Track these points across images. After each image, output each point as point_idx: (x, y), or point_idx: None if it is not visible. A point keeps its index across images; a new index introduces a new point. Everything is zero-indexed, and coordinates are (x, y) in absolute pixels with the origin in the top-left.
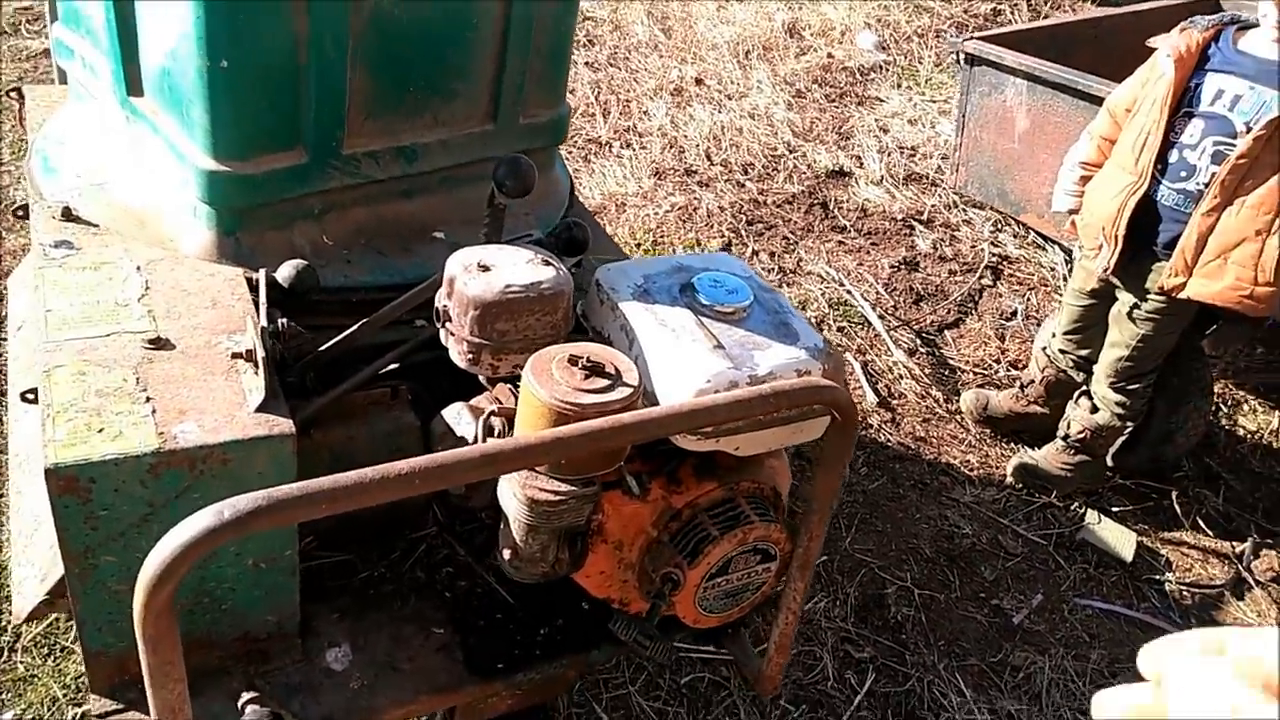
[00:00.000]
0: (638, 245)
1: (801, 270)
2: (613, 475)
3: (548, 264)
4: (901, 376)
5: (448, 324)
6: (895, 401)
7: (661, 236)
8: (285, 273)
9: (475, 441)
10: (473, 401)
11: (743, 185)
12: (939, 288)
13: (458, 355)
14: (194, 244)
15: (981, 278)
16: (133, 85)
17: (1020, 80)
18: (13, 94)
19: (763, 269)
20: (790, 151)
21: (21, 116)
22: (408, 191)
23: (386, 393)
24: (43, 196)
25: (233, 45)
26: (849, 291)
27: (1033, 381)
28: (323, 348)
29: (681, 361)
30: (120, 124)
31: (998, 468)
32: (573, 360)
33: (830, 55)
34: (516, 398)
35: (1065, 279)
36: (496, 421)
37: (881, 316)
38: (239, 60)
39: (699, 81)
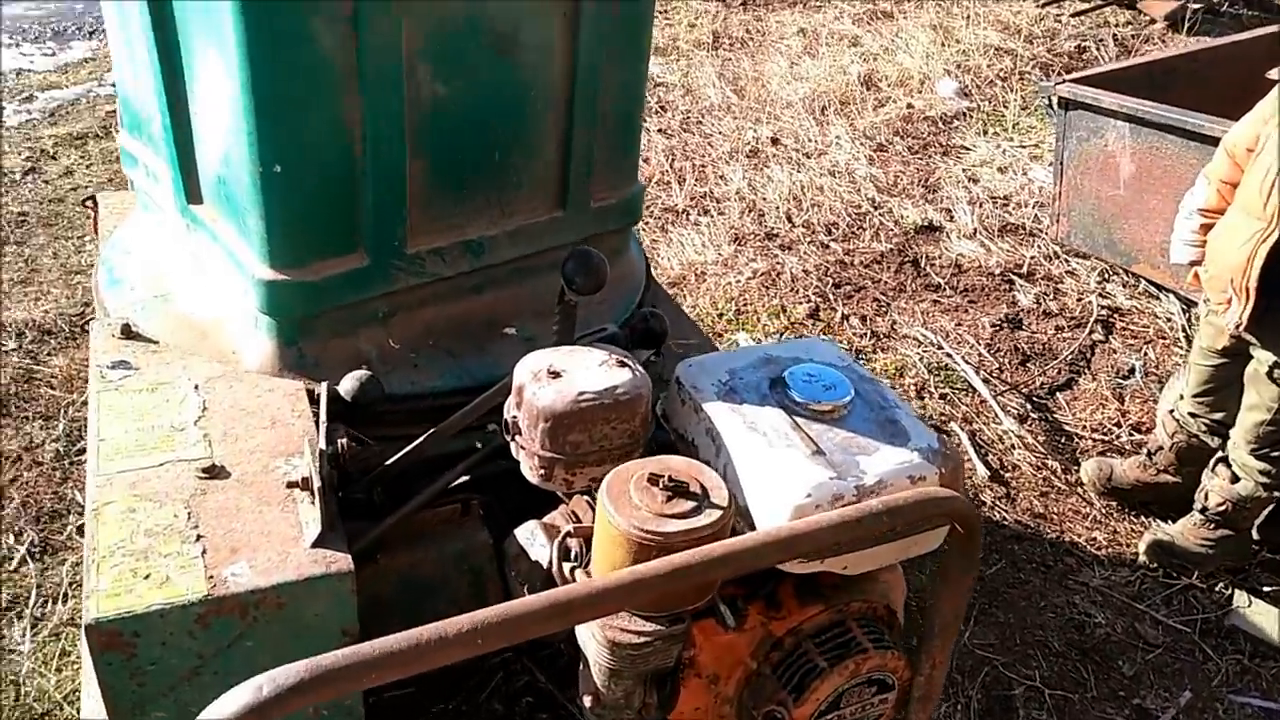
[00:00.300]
0: (719, 315)
1: (896, 334)
2: (704, 605)
3: (623, 365)
4: (1013, 446)
5: (517, 437)
6: (1008, 474)
7: (745, 305)
8: (348, 385)
9: (550, 566)
10: (547, 519)
11: (827, 246)
12: (1046, 346)
13: (529, 470)
14: (256, 356)
15: (1092, 333)
16: (192, 193)
17: (1121, 123)
18: (88, 203)
19: (854, 334)
20: (875, 208)
21: (96, 224)
22: (477, 287)
23: (456, 509)
24: (106, 311)
25: (285, 146)
26: (949, 354)
27: (1161, 448)
28: (389, 461)
29: (777, 472)
30: (182, 232)
31: (1128, 546)
32: (653, 480)
33: (910, 105)
34: (594, 511)
35: (1185, 330)
36: (573, 543)
37: (986, 380)
38: (292, 161)
39: (775, 141)
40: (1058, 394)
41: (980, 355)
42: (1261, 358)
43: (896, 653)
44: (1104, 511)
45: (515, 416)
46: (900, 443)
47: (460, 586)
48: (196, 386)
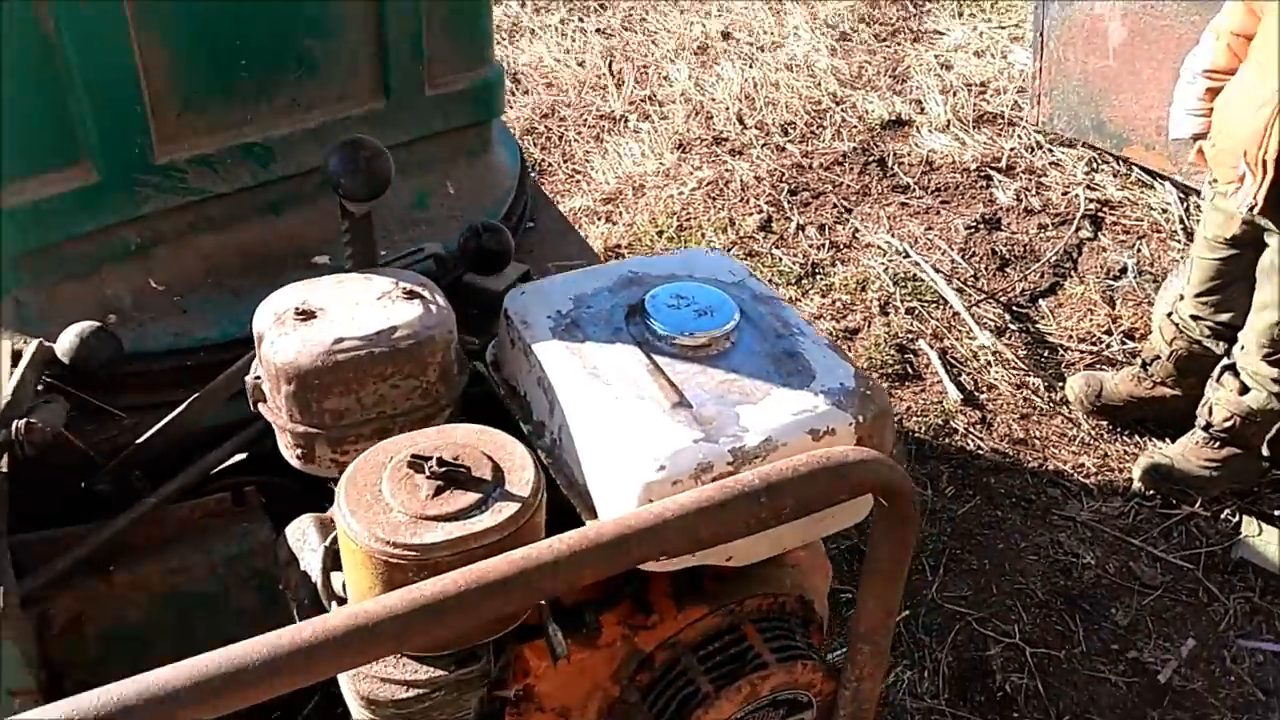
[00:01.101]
0: (659, 233)
1: (858, 243)
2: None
3: (412, 297)
4: (989, 364)
5: (261, 404)
6: (984, 396)
7: (688, 219)
8: (66, 343)
9: (318, 579)
10: (329, 513)
11: (783, 149)
12: (1028, 247)
13: (286, 449)
14: None
15: (1079, 229)
16: None
17: None
18: None
19: (810, 246)
20: (837, 104)
21: None
22: (273, 206)
23: (225, 499)
24: None
25: None
26: (917, 263)
27: (1158, 357)
28: (142, 439)
29: (623, 436)
30: None
31: (1121, 472)
32: (415, 464)
33: None
34: None
35: (1183, 222)
36: None
37: (960, 290)
38: None
39: (726, 35)
40: (1040, 301)
41: (953, 262)
42: (1277, 246)
43: (810, 663)
44: (1093, 433)
45: (258, 379)
46: (800, 384)
47: (246, 598)
48: None
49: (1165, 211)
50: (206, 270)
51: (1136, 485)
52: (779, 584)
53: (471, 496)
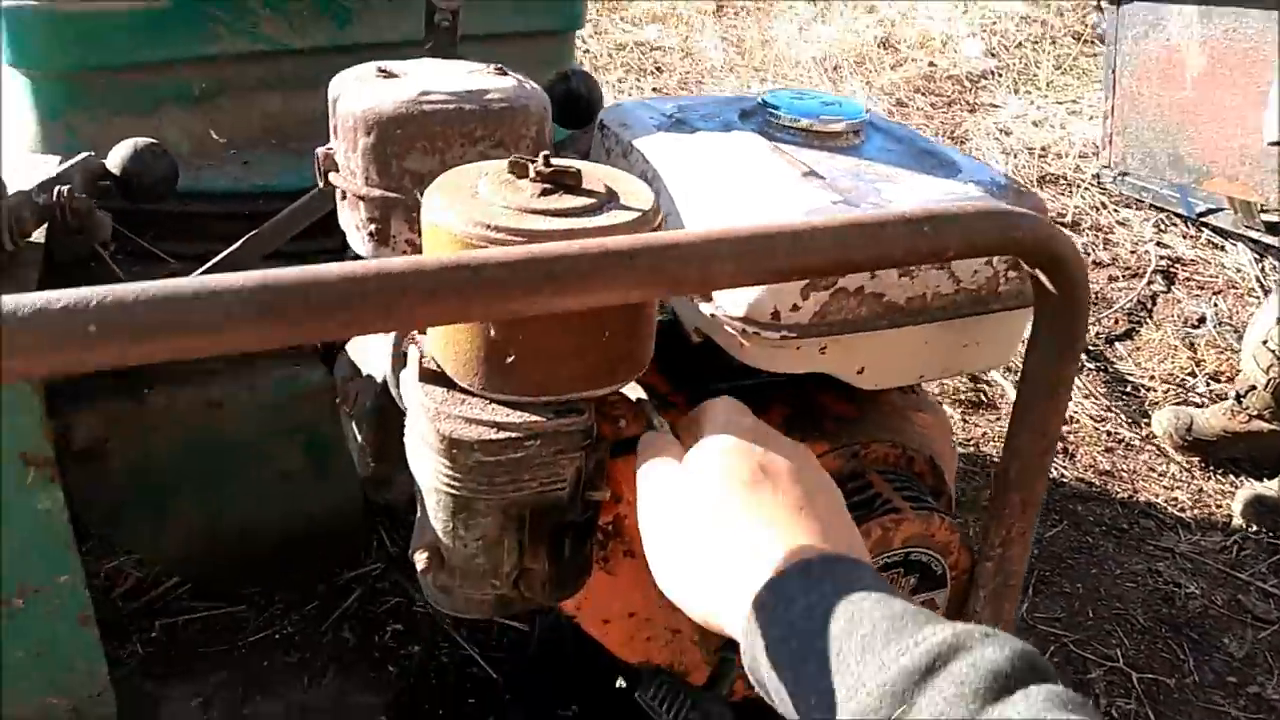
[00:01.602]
0: None
1: None
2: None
3: (504, 73)
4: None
5: (332, 176)
6: (1065, 429)
7: None
8: (119, 155)
9: (386, 373)
10: None
11: None
12: (1100, 295)
13: (355, 229)
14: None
15: (1150, 283)
16: None
17: (1189, 8)
18: None
19: None
20: None
21: None
22: None
23: None
24: None
25: None
26: None
27: (1253, 388)
28: (199, 272)
29: (748, 202)
30: None
31: (1219, 505)
32: (518, 167)
33: (932, 64)
34: None
35: (1260, 281)
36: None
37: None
38: None
39: None
40: (1117, 344)
41: None
42: None
43: (947, 520)
44: (1184, 468)
45: (331, 148)
46: (946, 174)
47: (287, 455)
48: None
49: (1240, 271)
50: (269, 129)
51: (1238, 520)
52: (907, 435)
53: (583, 200)
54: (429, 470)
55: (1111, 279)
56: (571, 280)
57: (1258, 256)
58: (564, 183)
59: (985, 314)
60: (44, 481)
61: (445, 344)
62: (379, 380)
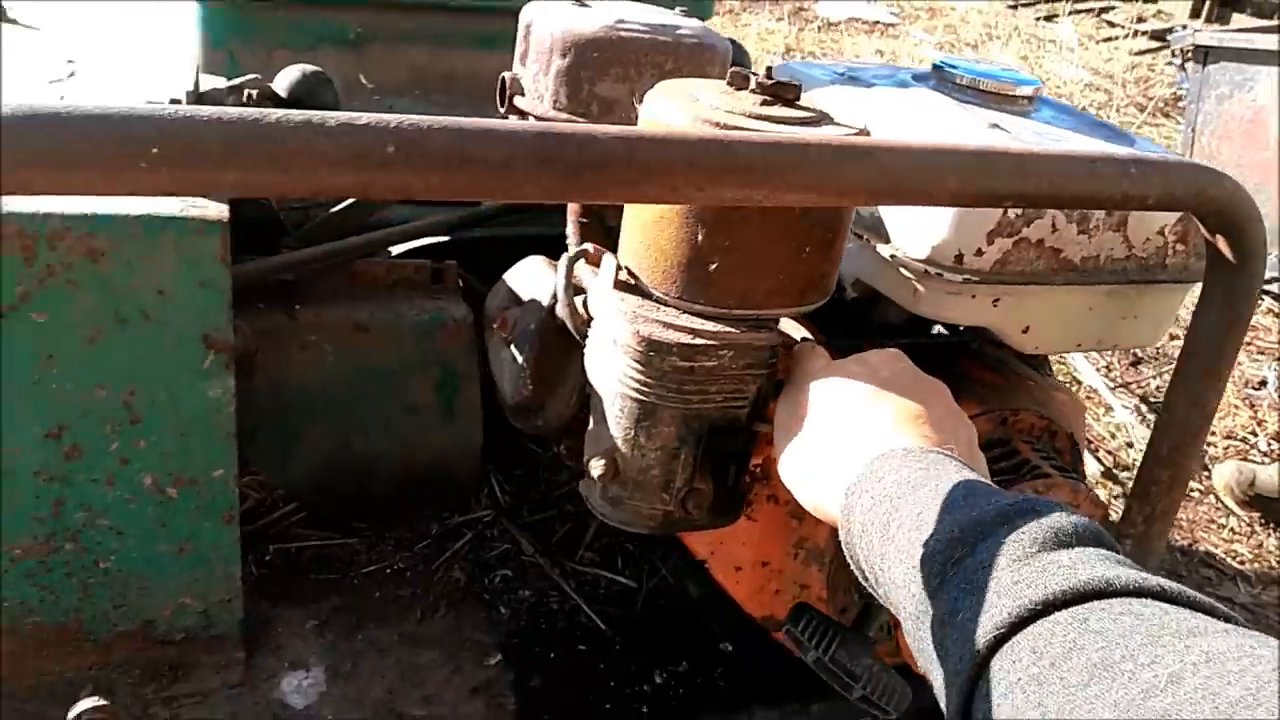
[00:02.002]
0: None
1: None
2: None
3: (691, 16)
4: (1130, 443)
5: (519, 98)
6: (1125, 475)
7: None
8: (288, 79)
9: (556, 301)
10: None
11: None
12: (1160, 350)
13: None
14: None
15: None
16: None
17: (1276, 68)
18: None
19: None
20: None
21: None
22: (487, 39)
23: (423, 267)
24: None
25: None
26: None
27: None
28: (338, 208)
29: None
30: None
31: (1279, 561)
32: (738, 79)
33: None
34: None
35: None
36: (591, 270)
37: (1096, 371)
38: None
39: None
40: (1140, 366)
41: (1087, 356)
42: None
43: (1091, 492)
44: (1245, 522)
45: (517, 73)
46: (1121, 142)
47: (421, 389)
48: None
49: None
50: (414, 82)
51: None
52: (1051, 411)
53: (802, 113)
54: (616, 376)
55: (1172, 337)
56: (818, 169)
57: None
58: (784, 95)
59: (1150, 285)
60: (219, 368)
61: (648, 250)
62: (545, 303)
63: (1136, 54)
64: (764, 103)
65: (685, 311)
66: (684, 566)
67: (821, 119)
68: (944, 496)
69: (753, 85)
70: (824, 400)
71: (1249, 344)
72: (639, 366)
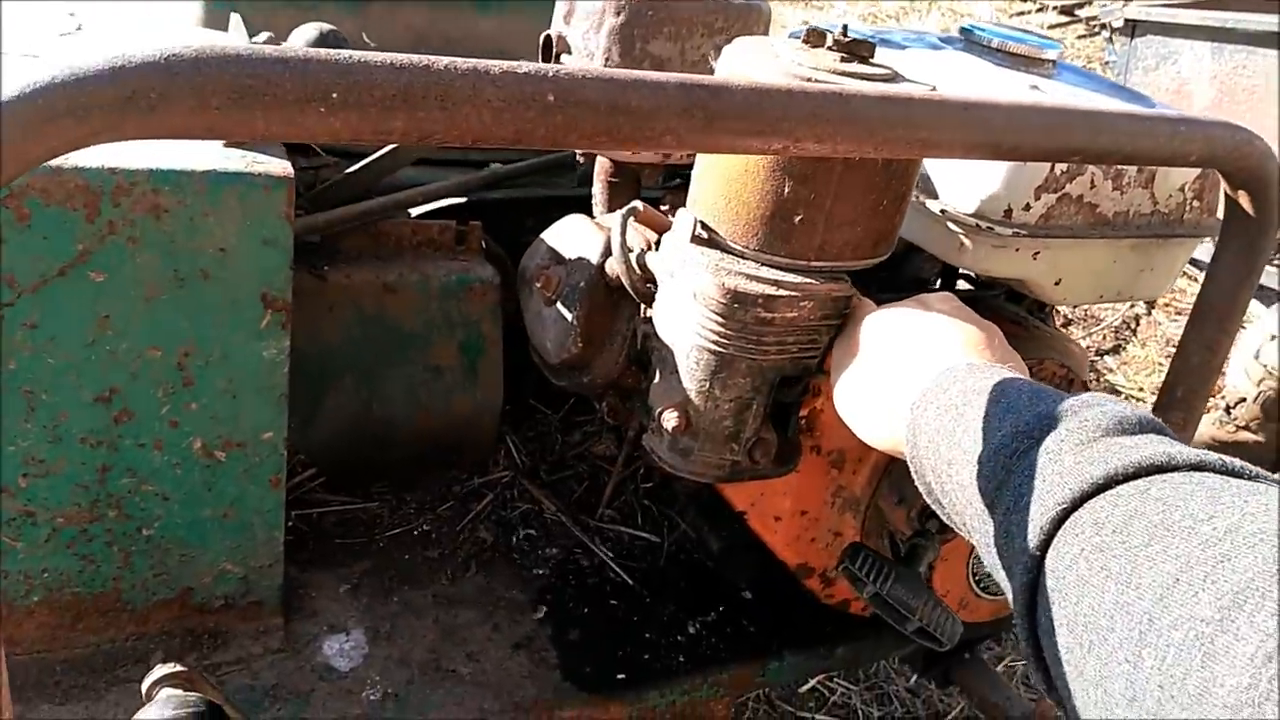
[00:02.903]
0: None
1: None
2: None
3: None
4: None
5: (564, 58)
6: None
7: None
8: (303, 36)
9: (607, 258)
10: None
11: None
12: (1087, 312)
13: None
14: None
15: (1133, 306)
16: None
17: (1200, 43)
18: None
19: None
20: None
21: None
22: (484, 3)
23: (448, 228)
24: None
25: None
26: None
27: (1242, 400)
28: (354, 169)
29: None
30: None
31: None
32: (814, 37)
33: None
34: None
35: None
36: (641, 231)
37: None
38: None
39: None
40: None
41: None
42: None
43: None
44: None
45: (561, 31)
46: (1144, 104)
47: (445, 350)
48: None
49: None
50: (413, 41)
51: None
52: (1069, 359)
53: (880, 70)
54: (693, 329)
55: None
56: (926, 123)
57: None
58: (860, 53)
59: (1168, 239)
60: (276, 328)
61: (729, 204)
62: (594, 261)
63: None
64: (843, 59)
65: (765, 264)
66: (702, 520)
67: (896, 76)
68: (1009, 399)
69: (829, 42)
70: (883, 331)
71: (1167, 305)
72: (719, 319)
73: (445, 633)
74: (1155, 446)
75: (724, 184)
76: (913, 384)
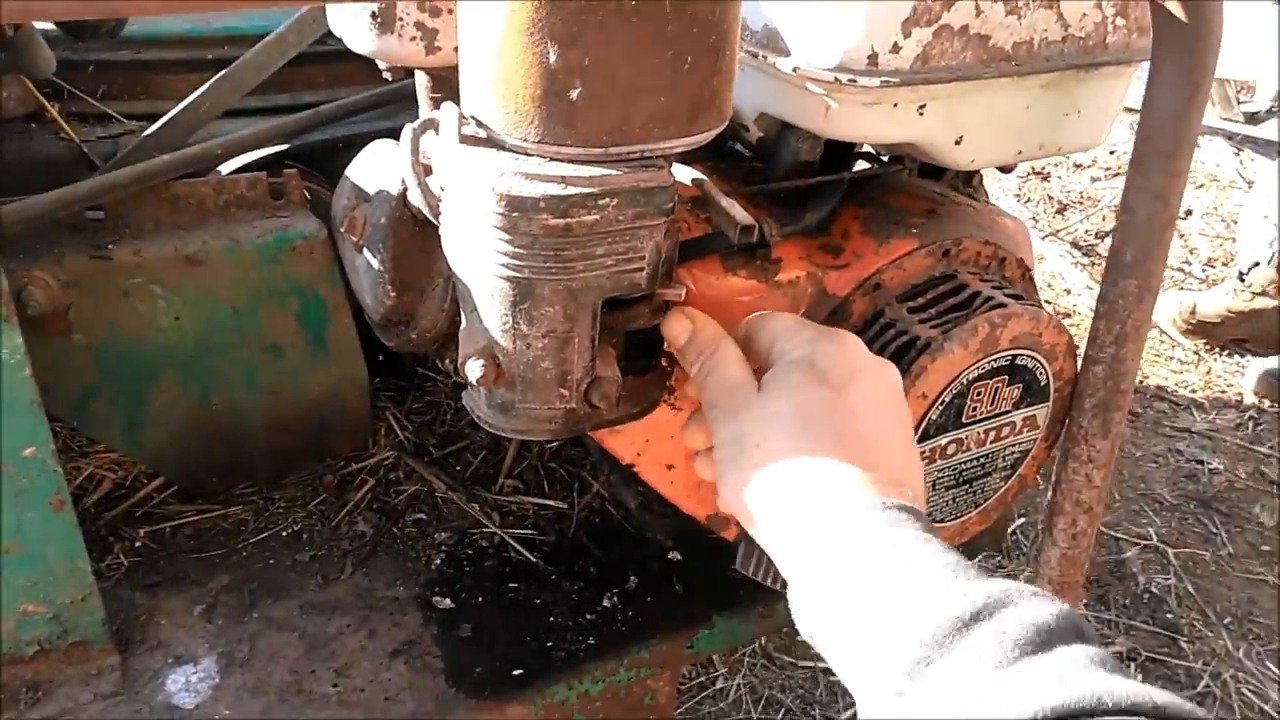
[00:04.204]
0: None
1: None
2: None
3: None
4: (1069, 290)
5: None
6: (1066, 320)
7: None
8: None
9: (407, 187)
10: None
11: None
12: (1084, 194)
13: (352, 16)
14: None
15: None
16: None
17: None
18: None
19: None
20: None
21: None
22: None
23: (259, 181)
24: None
25: None
26: None
27: (1257, 264)
28: (151, 129)
29: None
30: None
31: (1229, 385)
32: None
33: None
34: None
35: (1240, 173)
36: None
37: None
38: None
39: None
40: (1106, 240)
41: (1010, 205)
42: None
43: (1054, 320)
44: (1191, 351)
45: None
46: None
47: (279, 326)
48: None
49: (1219, 165)
50: None
51: (1250, 398)
52: (998, 238)
53: None
54: (482, 257)
55: (1093, 179)
56: None
57: (1235, 150)
58: None
59: (1090, 70)
60: (0, 324)
61: (494, 87)
62: (394, 192)
63: None
64: None
65: (551, 159)
66: (619, 476)
67: None
68: (910, 586)
69: None
70: (775, 433)
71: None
72: (505, 234)
73: (311, 648)
74: (1081, 681)
75: (483, 63)
76: (804, 522)
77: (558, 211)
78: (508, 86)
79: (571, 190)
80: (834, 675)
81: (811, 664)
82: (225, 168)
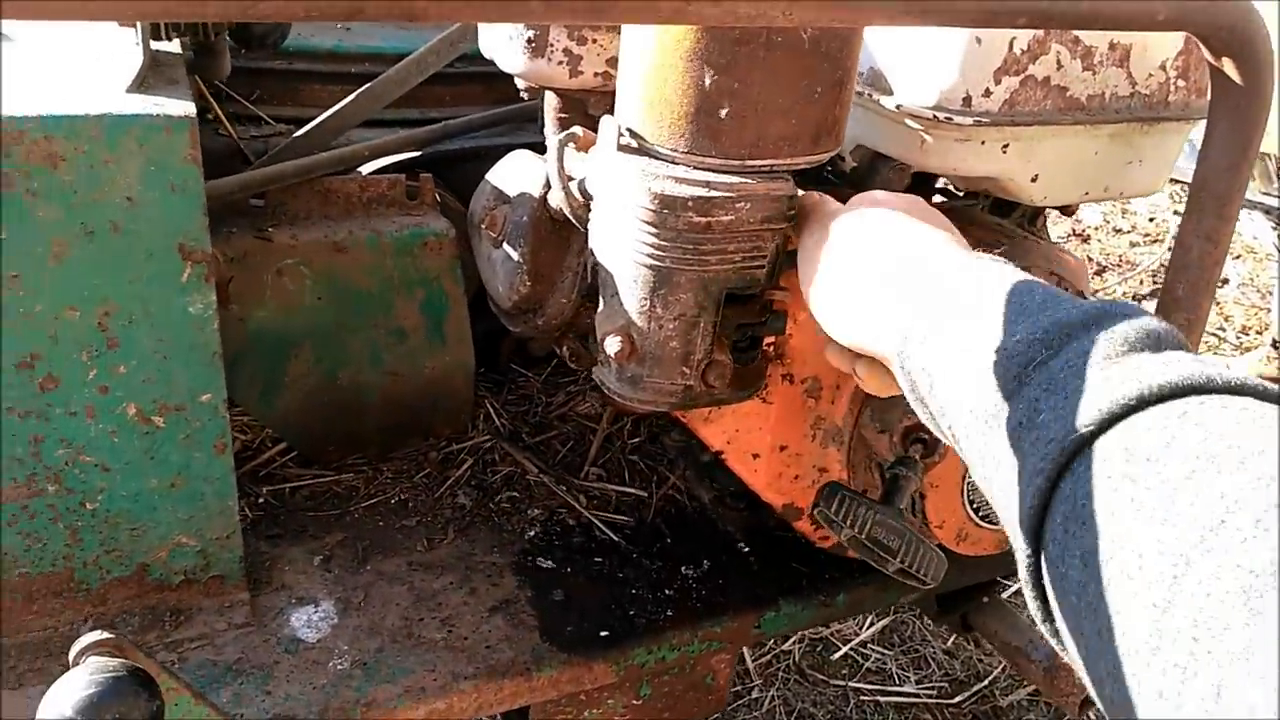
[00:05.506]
0: None
1: None
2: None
3: None
4: None
5: None
6: None
7: None
8: None
9: (548, 190)
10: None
11: None
12: (1122, 258)
13: (507, 39)
14: None
15: (1170, 248)
16: None
17: None
18: None
19: None
20: None
21: None
22: None
23: (398, 182)
24: None
25: None
26: None
27: None
28: (301, 131)
29: None
30: None
31: None
32: None
33: None
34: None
35: (1277, 247)
36: (582, 159)
37: None
38: None
39: None
40: (1143, 303)
41: None
42: None
43: None
44: None
45: None
46: None
47: (407, 311)
48: None
49: (1256, 238)
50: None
51: None
52: (1061, 269)
53: None
54: (628, 245)
55: (1132, 244)
56: None
57: (1274, 224)
58: None
59: (1153, 124)
60: (198, 281)
61: (651, 106)
62: (535, 194)
63: None
64: None
65: (696, 167)
66: (694, 472)
67: None
68: (1021, 300)
69: None
70: (857, 226)
71: None
72: (653, 229)
73: (419, 599)
74: (1190, 365)
75: (642, 84)
76: (897, 281)
77: (702, 210)
78: (665, 104)
79: (715, 193)
80: (865, 695)
81: (843, 683)
82: (366, 168)
